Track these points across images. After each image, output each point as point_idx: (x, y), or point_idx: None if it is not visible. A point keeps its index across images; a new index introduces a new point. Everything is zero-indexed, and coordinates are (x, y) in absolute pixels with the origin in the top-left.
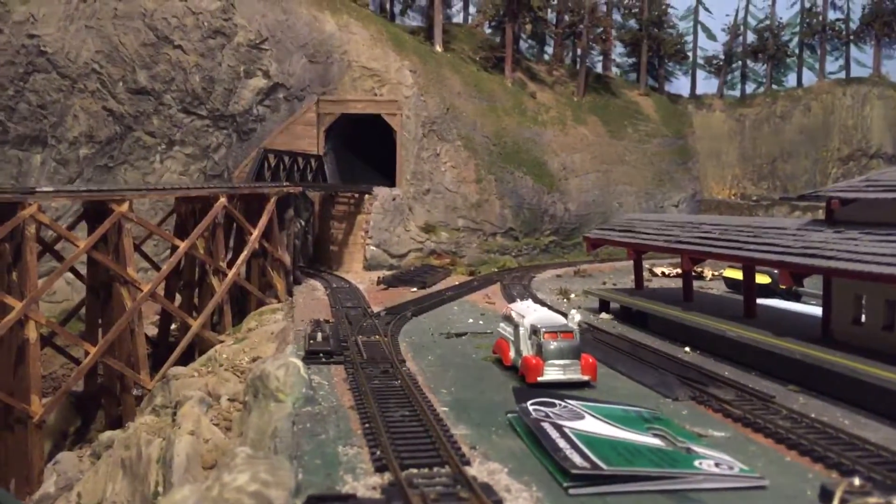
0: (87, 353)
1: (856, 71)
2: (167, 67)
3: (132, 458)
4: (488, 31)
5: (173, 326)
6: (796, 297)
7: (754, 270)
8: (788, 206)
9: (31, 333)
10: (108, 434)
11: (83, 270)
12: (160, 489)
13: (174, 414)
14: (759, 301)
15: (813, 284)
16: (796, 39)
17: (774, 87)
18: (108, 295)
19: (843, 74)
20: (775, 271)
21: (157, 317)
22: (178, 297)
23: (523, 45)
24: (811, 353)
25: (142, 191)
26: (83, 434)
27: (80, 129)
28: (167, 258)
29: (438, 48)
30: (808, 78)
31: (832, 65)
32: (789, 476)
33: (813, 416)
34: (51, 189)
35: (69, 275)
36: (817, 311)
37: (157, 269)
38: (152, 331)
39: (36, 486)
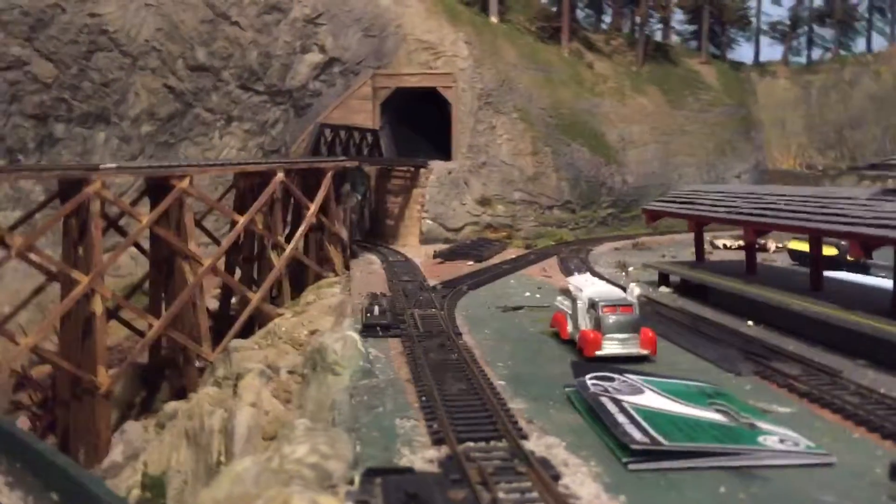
0: (150, 326)
1: None
2: (225, 44)
3: (195, 428)
4: (544, 0)
5: (233, 300)
6: (864, 270)
7: (821, 242)
8: (857, 176)
9: (97, 307)
10: (172, 405)
11: (146, 245)
12: (223, 458)
13: (235, 386)
14: (826, 273)
15: (882, 256)
16: (866, 2)
17: (842, 52)
18: (171, 269)
19: None
20: (842, 242)
21: (218, 290)
22: (237, 272)
23: (580, 14)
24: (882, 327)
25: (202, 166)
26: (148, 405)
27: (141, 107)
28: (227, 233)
29: (494, 19)
30: (878, 43)
31: None
32: (857, 453)
33: (883, 391)
34: (114, 166)
35: (133, 249)
36: (887, 283)
37: (218, 243)
38: (213, 304)
39: (103, 455)
